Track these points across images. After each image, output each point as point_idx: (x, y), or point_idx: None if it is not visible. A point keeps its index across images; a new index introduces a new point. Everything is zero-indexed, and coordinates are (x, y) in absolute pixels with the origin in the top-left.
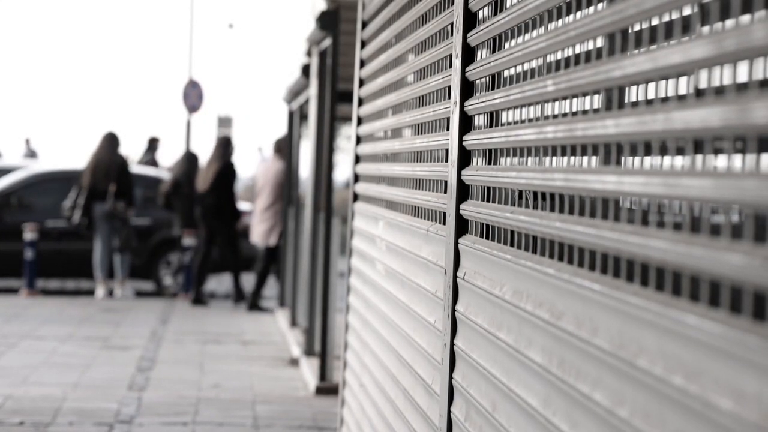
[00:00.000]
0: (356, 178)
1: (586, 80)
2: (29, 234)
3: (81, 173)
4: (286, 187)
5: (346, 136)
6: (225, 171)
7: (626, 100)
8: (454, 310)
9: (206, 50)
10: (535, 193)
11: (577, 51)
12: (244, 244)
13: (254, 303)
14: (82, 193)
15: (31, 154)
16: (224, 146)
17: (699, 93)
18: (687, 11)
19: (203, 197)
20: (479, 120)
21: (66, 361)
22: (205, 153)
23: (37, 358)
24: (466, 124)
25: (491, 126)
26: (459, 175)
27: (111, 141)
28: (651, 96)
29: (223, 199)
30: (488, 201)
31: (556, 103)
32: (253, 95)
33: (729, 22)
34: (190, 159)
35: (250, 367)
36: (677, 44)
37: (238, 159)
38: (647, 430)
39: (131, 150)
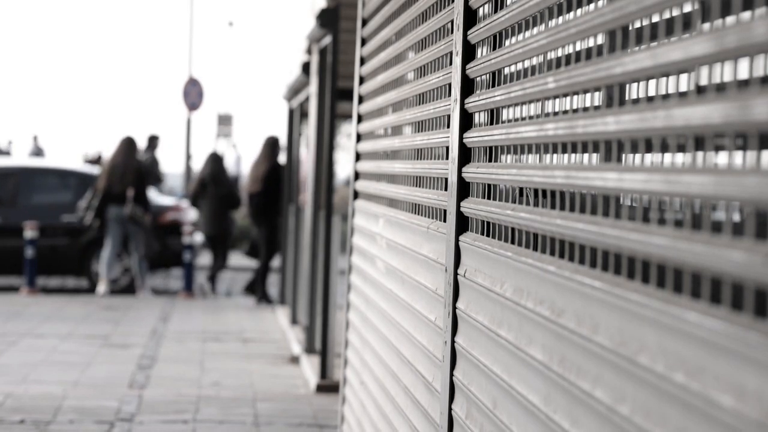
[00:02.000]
0: (357, 175)
1: (587, 77)
2: (30, 232)
3: (97, 176)
4: (287, 185)
5: (346, 134)
6: (274, 171)
7: (627, 97)
8: (454, 308)
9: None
10: (535, 191)
11: (578, 48)
12: (174, 240)
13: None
14: (96, 195)
15: (38, 151)
16: (272, 146)
17: (700, 90)
18: (688, 8)
19: (253, 197)
20: (480, 117)
21: (66, 359)
22: (205, 152)
23: (37, 357)
24: (467, 121)
25: (492, 123)
26: (459, 172)
27: (128, 145)
28: (652, 93)
29: (272, 198)
30: (489, 198)
31: (557, 100)
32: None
33: (730, 19)
34: (215, 159)
35: (251, 364)
36: (678, 41)
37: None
38: (648, 428)
39: None
